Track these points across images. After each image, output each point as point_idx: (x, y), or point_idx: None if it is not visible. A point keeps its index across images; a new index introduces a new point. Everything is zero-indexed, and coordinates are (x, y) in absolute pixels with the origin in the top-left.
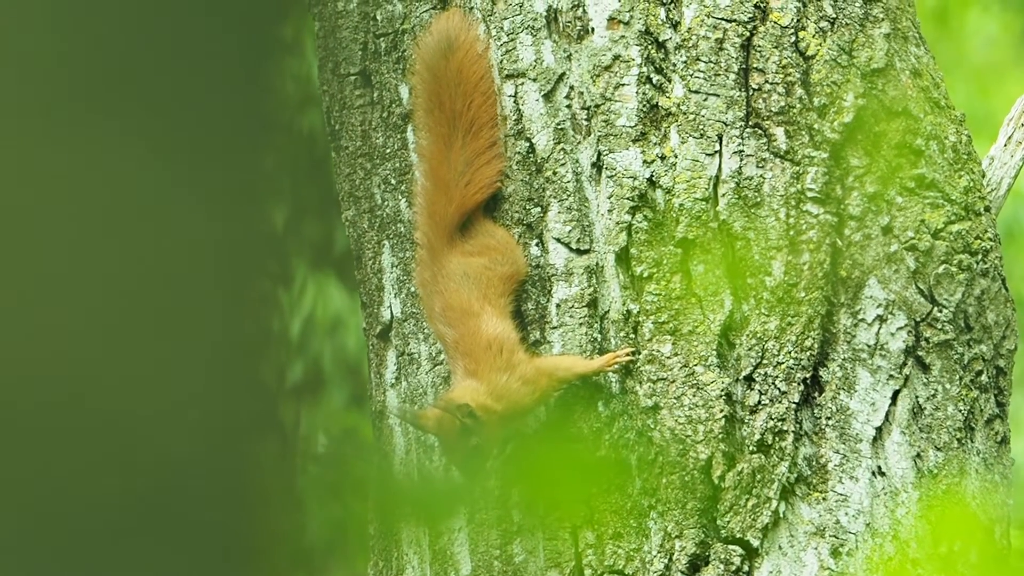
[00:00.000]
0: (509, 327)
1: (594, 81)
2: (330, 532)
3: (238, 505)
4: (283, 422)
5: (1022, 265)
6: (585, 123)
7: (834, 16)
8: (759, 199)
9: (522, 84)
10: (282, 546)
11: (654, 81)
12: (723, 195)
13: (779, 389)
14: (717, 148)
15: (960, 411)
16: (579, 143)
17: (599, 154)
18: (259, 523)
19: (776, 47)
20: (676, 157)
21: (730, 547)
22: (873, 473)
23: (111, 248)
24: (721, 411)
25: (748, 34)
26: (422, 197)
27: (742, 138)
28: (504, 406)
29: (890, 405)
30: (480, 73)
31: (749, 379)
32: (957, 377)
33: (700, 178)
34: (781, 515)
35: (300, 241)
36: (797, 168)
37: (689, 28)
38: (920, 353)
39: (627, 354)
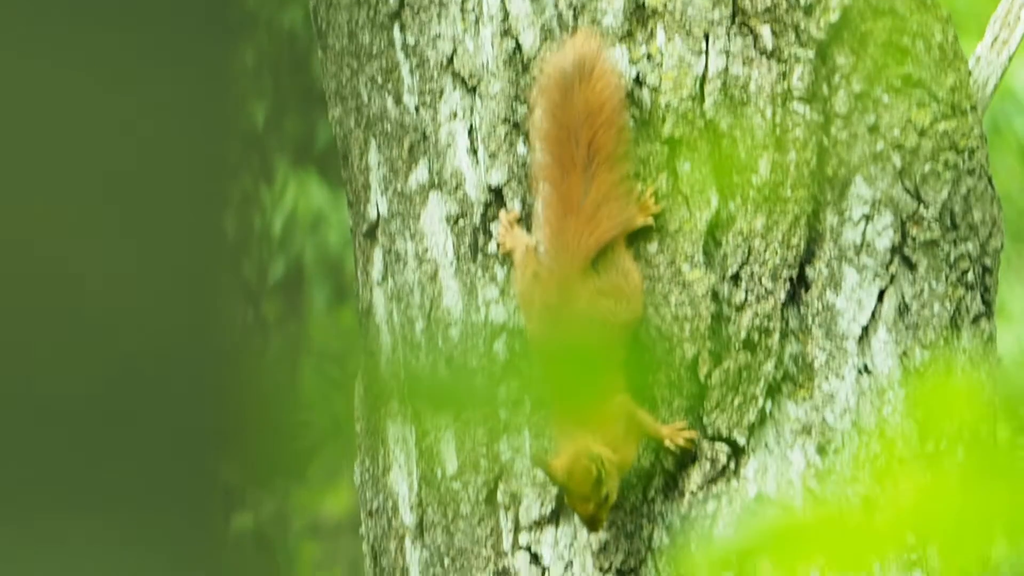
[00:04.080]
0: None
1: None
2: (323, 430)
3: (220, 400)
4: (266, 318)
5: (1007, 163)
6: (571, 22)
7: None
8: (745, 98)
9: None
10: (274, 443)
11: None
12: (709, 94)
13: (765, 287)
14: (703, 47)
15: (946, 309)
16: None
17: None
18: (244, 418)
19: None
20: (662, 56)
21: (716, 445)
22: (859, 371)
23: (88, 144)
24: (707, 309)
25: None
26: (550, 222)
27: (728, 37)
28: (620, 457)
29: (876, 303)
30: (612, 105)
31: (735, 277)
32: (943, 275)
33: (686, 77)
34: (767, 413)
35: (281, 138)
36: (783, 67)
37: None
38: (906, 251)
39: (687, 439)
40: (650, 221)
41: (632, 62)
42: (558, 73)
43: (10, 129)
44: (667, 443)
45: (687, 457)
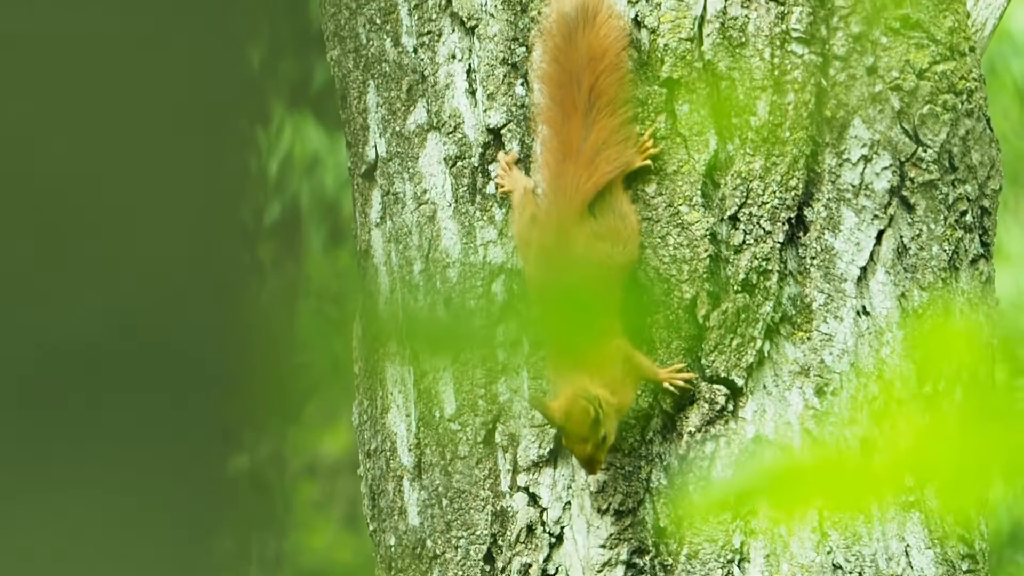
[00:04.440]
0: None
1: None
2: (321, 371)
3: (218, 342)
4: (262, 261)
5: (1004, 105)
6: None
7: None
8: (744, 39)
9: None
10: (272, 384)
11: None
12: (708, 35)
13: (764, 228)
14: None
15: (945, 251)
16: None
17: None
18: (242, 360)
19: None
20: None
21: (715, 386)
22: (858, 313)
23: (85, 89)
24: (706, 251)
25: None
26: (549, 165)
27: None
28: (618, 400)
29: (875, 245)
30: (616, 50)
31: (734, 219)
32: (942, 217)
33: (685, 18)
34: (766, 354)
35: (277, 80)
36: (782, 8)
37: None
38: (905, 193)
39: (685, 380)
40: (648, 162)
41: (631, 3)
42: (561, 16)
43: (12, 69)
44: (665, 385)
45: (685, 399)
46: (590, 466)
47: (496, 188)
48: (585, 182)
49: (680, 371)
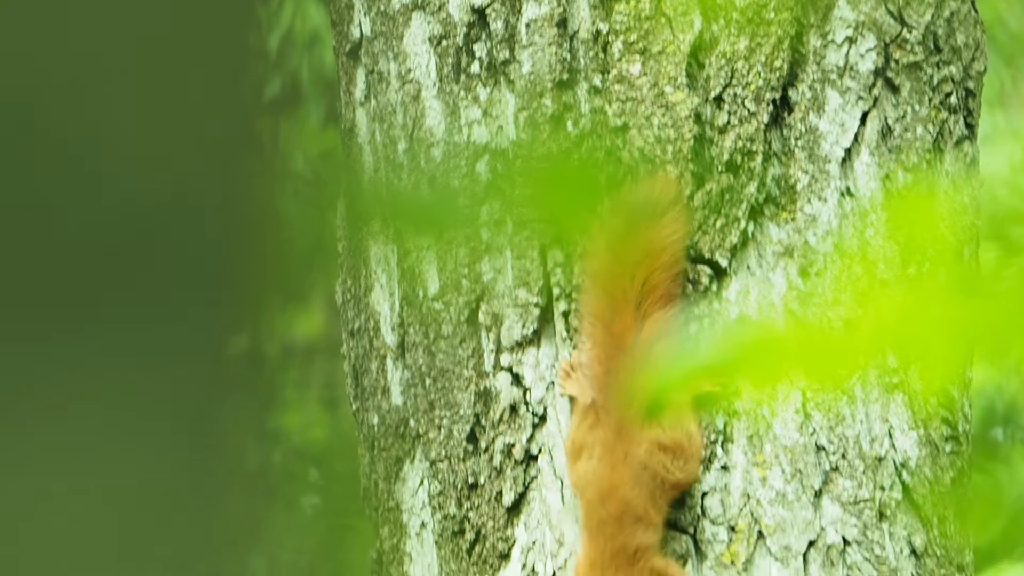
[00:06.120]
0: (655, 536)
1: None
2: (311, 249)
3: (219, 220)
4: (261, 138)
5: None
6: None
7: None
8: None
9: None
10: (266, 262)
11: None
12: None
13: (748, 109)
14: None
15: (929, 132)
16: None
17: None
18: (243, 240)
19: None
20: None
21: (699, 267)
22: (842, 194)
23: None
24: (690, 131)
25: None
26: (601, 361)
27: None
28: None
29: (859, 126)
30: (676, 248)
31: (718, 99)
32: (926, 99)
33: None
34: (750, 235)
35: None
36: None
37: None
38: (889, 74)
39: None
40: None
41: None
42: (628, 206)
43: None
44: None
45: None
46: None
47: (560, 391)
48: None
49: None
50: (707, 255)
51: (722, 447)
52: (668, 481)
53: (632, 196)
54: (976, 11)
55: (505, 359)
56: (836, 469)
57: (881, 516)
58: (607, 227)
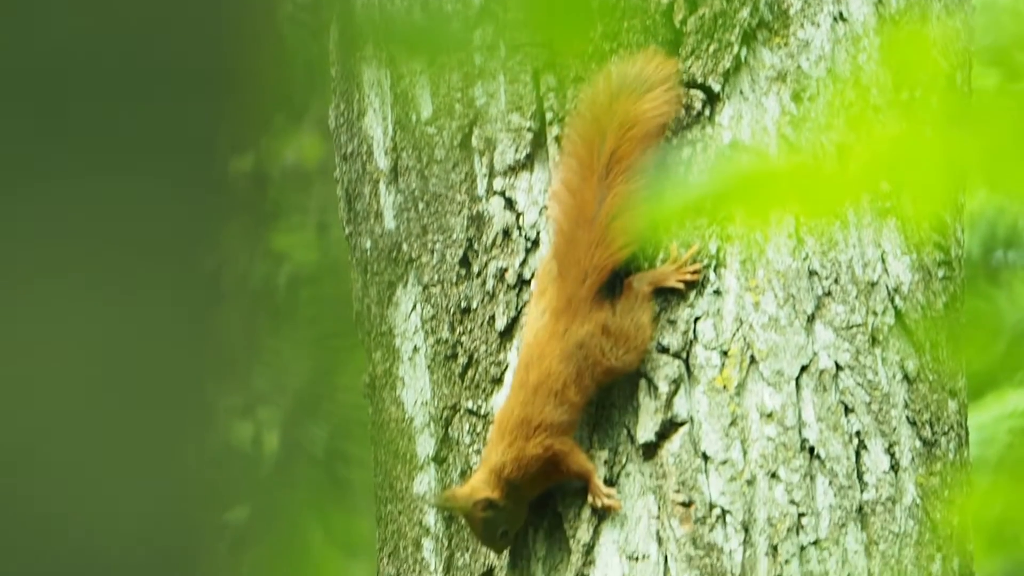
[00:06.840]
0: (566, 416)
1: None
2: (307, 70)
3: (221, 40)
4: None
5: None
6: None
7: None
8: None
9: None
10: (263, 82)
11: None
12: None
13: None
14: None
15: None
16: None
17: None
18: (242, 64)
19: None
20: None
21: (692, 92)
22: (835, 19)
23: None
24: None
25: None
26: (562, 228)
27: None
28: (521, 481)
29: None
30: (652, 124)
31: None
32: None
33: None
34: (742, 60)
35: None
36: None
37: None
38: None
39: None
40: (680, 285)
41: None
42: (615, 75)
43: None
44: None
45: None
46: (499, 551)
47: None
48: (602, 258)
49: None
50: (700, 80)
51: (715, 271)
52: (602, 365)
53: (623, 67)
54: None
55: (498, 183)
56: (829, 294)
57: (873, 341)
58: (590, 93)
